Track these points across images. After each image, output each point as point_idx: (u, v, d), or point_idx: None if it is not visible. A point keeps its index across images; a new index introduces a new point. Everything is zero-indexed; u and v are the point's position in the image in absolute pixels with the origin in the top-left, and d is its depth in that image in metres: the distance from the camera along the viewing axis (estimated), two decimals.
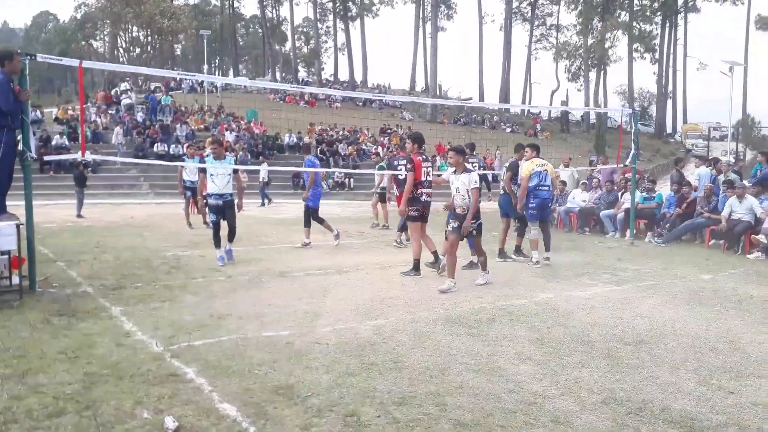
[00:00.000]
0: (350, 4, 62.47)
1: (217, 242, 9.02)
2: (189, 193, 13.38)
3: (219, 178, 8.91)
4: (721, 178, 13.62)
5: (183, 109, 33.47)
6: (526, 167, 9.63)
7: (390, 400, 4.01)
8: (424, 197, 8.45)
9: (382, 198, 14.18)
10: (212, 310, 6.21)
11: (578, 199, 14.75)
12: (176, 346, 5.02)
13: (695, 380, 4.49)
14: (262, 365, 4.60)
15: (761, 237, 10.63)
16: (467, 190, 7.59)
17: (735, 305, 6.95)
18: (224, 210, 9.03)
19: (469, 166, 8.25)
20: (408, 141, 9.01)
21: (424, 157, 8.57)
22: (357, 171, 25.66)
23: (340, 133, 33.59)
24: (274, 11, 71.51)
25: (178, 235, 12.02)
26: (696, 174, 15.31)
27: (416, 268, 8.38)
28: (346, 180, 26.80)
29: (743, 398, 4.13)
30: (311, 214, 10.99)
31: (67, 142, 24.40)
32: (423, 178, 8.42)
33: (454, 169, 7.86)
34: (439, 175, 8.94)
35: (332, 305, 6.59)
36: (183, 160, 15.88)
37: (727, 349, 5.25)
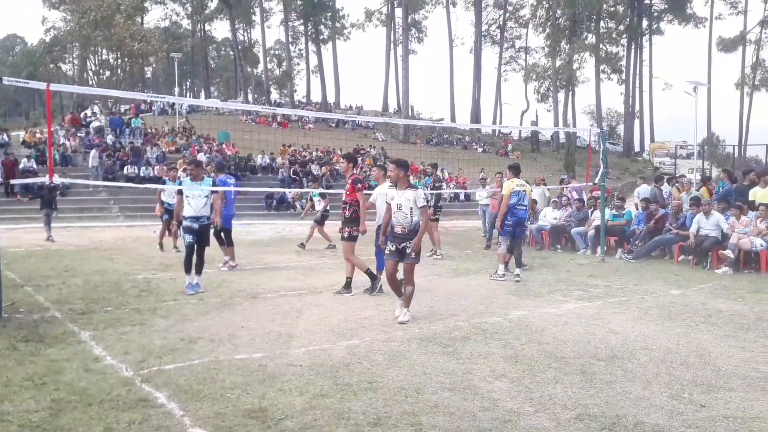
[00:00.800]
0: (322, 27, 62.88)
1: (188, 267, 8.56)
2: (166, 216, 13.18)
3: (195, 200, 8.63)
4: (685, 195, 13.92)
5: (153, 131, 33.18)
6: (507, 186, 9.86)
7: (365, 420, 3.97)
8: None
9: (321, 222, 14.24)
10: (183, 334, 6.12)
11: (549, 217, 14.92)
12: (147, 370, 4.93)
13: (667, 394, 4.53)
14: (234, 389, 4.53)
15: (728, 252, 10.84)
16: (411, 208, 6.76)
17: (704, 319, 7.06)
18: (200, 234, 8.66)
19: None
20: (343, 160, 9.19)
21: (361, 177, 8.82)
22: (331, 191, 25.57)
23: (313, 153, 33.57)
24: (245, 34, 71.49)
25: (149, 258, 11.85)
26: (636, 192, 15.80)
27: (347, 286, 8.49)
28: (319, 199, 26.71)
29: (714, 411, 4.18)
30: (225, 234, 10.60)
31: (35, 165, 23.98)
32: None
33: (390, 184, 7.32)
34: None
35: (306, 326, 6.53)
36: (163, 183, 15.66)
37: (698, 363, 5.32)
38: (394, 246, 6.85)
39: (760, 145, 37.43)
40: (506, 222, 9.82)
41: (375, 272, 8.62)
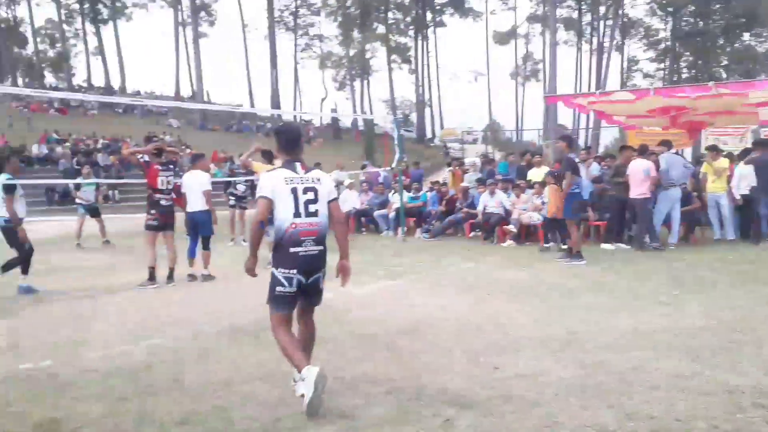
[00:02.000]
0: (101, 6, 58.08)
1: None
2: (81, 210, 13.40)
3: None
4: (471, 177, 15.08)
5: None
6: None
7: (171, 420, 3.78)
8: (163, 201, 8.36)
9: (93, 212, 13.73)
10: None
11: (349, 200, 15.28)
12: None
13: (466, 360, 4.87)
14: (19, 401, 4.06)
15: (511, 227, 11.97)
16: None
17: (495, 288, 7.69)
18: None
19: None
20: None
21: (163, 166, 8.46)
22: (122, 181, 23.96)
23: (100, 142, 31.07)
24: (9, 11, 63.90)
25: None
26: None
27: (152, 278, 8.27)
28: (110, 192, 24.85)
29: (507, 372, 4.57)
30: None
31: None
32: (161, 186, 8.34)
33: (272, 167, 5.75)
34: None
35: (102, 328, 6.06)
36: None
37: (491, 329, 5.78)
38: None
39: (533, 130, 41.73)
40: None
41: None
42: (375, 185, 15.81)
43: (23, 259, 7.92)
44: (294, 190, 4.04)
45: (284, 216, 4.01)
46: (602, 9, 52.03)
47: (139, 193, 24.05)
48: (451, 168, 16.24)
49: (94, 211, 13.54)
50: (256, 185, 11.80)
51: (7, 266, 7.93)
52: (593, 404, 3.91)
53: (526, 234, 12.23)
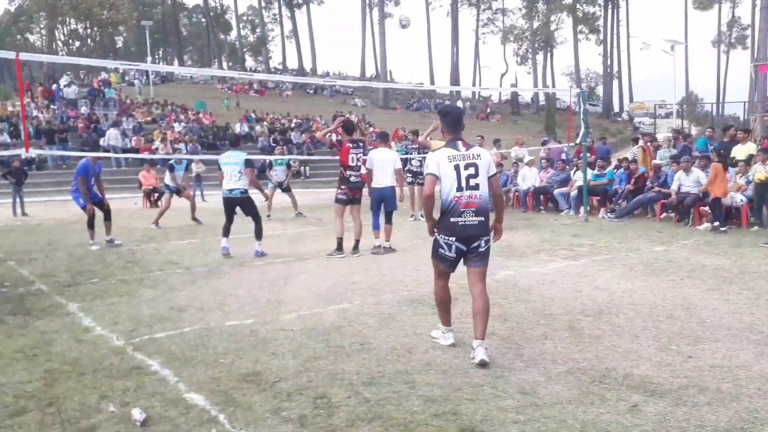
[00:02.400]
0: None
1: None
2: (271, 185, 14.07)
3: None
4: (663, 153, 14.03)
5: (128, 101, 32.63)
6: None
7: (359, 380, 4.01)
8: (353, 178, 8.74)
9: (285, 189, 14.41)
10: (172, 303, 6.10)
11: (529, 179, 14.95)
12: (137, 339, 4.92)
13: (655, 347, 4.62)
14: (227, 354, 4.54)
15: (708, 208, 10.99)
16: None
17: (688, 274, 7.17)
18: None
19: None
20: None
21: (354, 144, 8.83)
22: (313, 158, 25.51)
23: (293, 121, 33.28)
24: (217, 0, 70.14)
25: (131, 230, 11.74)
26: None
27: (339, 248, 8.67)
28: (302, 168, 26.57)
29: (701, 361, 4.27)
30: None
31: (9, 140, 23.50)
32: (351, 163, 8.70)
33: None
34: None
35: (295, 292, 6.54)
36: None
37: (684, 316, 5.42)
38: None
39: (737, 103, 37.85)
40: None
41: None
42: (556, 162, 15.28)
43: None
44: (456, 167, 4.42)
45: (448, 190, 4.43)
46: None
47: (328, 170, 25.50)
48: (640, 144, 15.22)
49: (285, 189, 14.37)
50: None
51: (259, 234, 8.89)
52: None
53: (726, 216, 11.16)
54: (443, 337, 4.74)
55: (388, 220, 9.14)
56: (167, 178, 13.54)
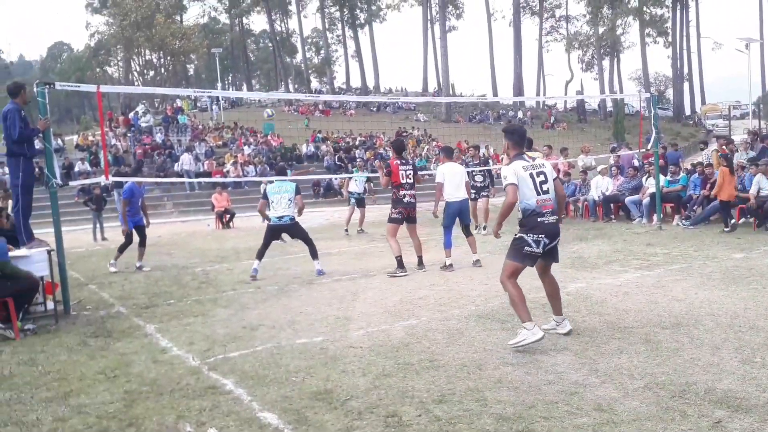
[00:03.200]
0: (358, 11, 62.72)
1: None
2: (353, 200, 14.63)
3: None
4: (741, 156, 13.43)
5: (201, 126, 33.81)
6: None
7: (429, 398, 3.99)
8: (407, 198, 8.74)
9: (360, 203, 14.62)
10: (245, 322, 6.25)
11: (601, 186, 14.58)
12: (212, 359, 5.05)
13: (738, 359, 4.41)
14: (298, 372, 4.61)
15: None
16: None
17: None
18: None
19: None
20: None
21: (403, 161, 8.90)
22: (377, 175, 25.65)
23: (357, 139, 33.67)
24: (282, 24, 71.95)
25: (204, 251, 12.12)
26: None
27: (400, 265, 8.58)
28: (367, 185, 26.79)
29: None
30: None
31: (89, 168, 24.73)
32: (402, 180, 8.70)
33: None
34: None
35: (362, 309, 6.59)
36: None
37: None
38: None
39: None
40: None
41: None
42: (626, 169, 14.85)
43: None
44: (532, 176, 5.05)
45: (529, 195, 5.02)
46: None
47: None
48: (715, 147, 14.63)
49: (360, 202, 14.60)
50: (492, 175, 12.13)
51: (314, 254, 9.01)
52: None
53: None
54: (531, 333, 4.80)
55: (468, 233, 9.18)
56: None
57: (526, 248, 5.01)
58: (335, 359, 4.88)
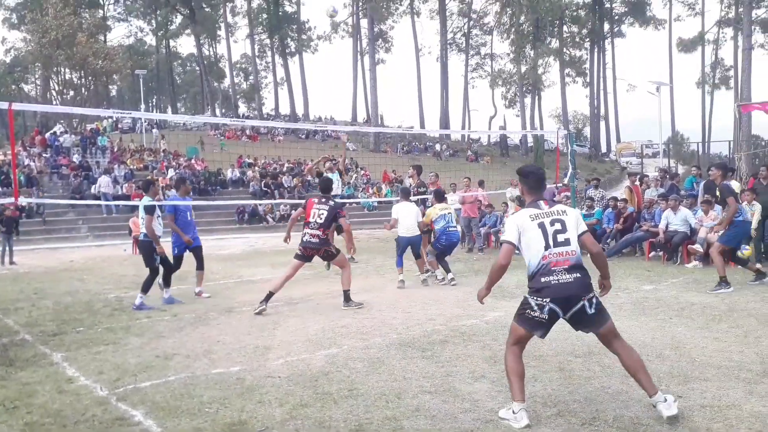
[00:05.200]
0: (288, 40, 62.80)
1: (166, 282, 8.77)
2: None
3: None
4: (652, 192, 14.14)
5: (120, 149, 32.80)
6: (428, 214, 10.42)
7: (346, 428, 3.94)
8: (306, 237, 8.19)
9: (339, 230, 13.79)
10: (158, 351, 6.03)
11: None
12: (122, 389, 4.84)
13: None
14: (212, 403, 4.47)
15: (697, 246, 11.03)
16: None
17: (677, 313, 7.16)
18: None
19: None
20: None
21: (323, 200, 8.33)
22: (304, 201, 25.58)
23: (285, 165, 33.46)
24: (211, 49, 71.26)
25: (120, 277, 11.67)
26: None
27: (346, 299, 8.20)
28: (293, 211, 26.59)
29: (691, 401, 4.23)
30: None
31: None
32: (310, 219, 8.17)
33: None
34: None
35: (283, 338, 6.48)
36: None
37: (673, 355, 5.39)
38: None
39: (722, 142, 38.36)
40: (439, 243, 10.16)
41: None
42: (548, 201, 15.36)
43: (153, 276, 8.50)
44: (542, 225, 4.16)
45: (535, 250, 4.14)
46: None
47: None
48: (627, 184, 15.36)
49: (338, 229, 13.55)
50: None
51: (145, 287, 8.45)
52: None
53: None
54: (515, 417, 3.93)
55: (417, 256, 10.36)
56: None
57: (528, 311, 4.17)
58: (252, 389, 4.76)
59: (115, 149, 32.50)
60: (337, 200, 8.79)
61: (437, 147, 51.61)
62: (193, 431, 3.94)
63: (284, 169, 32.60)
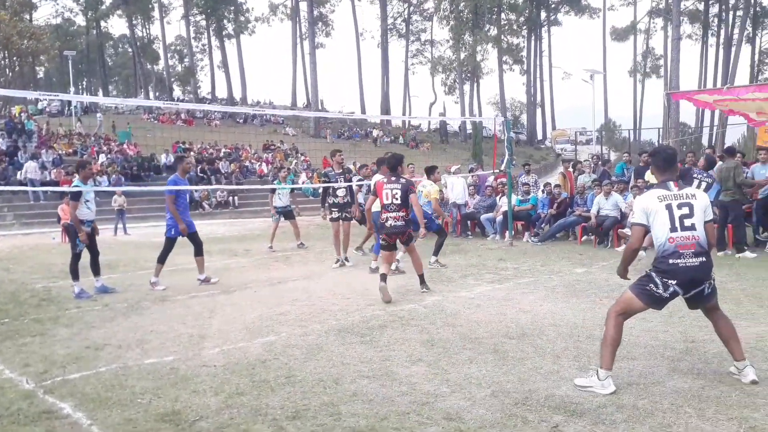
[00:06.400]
0: (225, 21, 61.39)
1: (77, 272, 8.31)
2: (276, 216, 13.57)
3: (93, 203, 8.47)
4: (585, 178, 14.55)
5: (49, 133, 31.46)
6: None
7: (283, 415, 3.92)
8: (389, 222, 7.76)
9: (288, 215, 13.61)
10: (88, 341, 5.84)
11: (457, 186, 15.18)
12: (50, 381, 4.67)
13: (575, 367, 4.73)
14: (145, 393, 4.37)
15: (627, 230, 11.42)
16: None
17: (607, 294, 7.40)
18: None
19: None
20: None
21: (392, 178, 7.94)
22: (242, 187, 25.21)
23: (222, 150, 32.82)
24: (144, 30, 68.92)
25: (48, 266, 11.23)
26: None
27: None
28: (230, 198, 26.17)
29: (619, 379, 4.38)
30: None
31: None
32: (386, 201, 7.76)
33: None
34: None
35: (219, 326, 6.38)
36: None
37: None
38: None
39: (652, 129, 39.78)
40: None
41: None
42: (483, 188, 15.61)
43: (75, 261, 8.22)
44: (669, 207, 4.21)
45: (661, 232, 4.21)
46: None
47: (256, 200, 25.23)
48: (561, 170, 15.76)
49: (288, 214, 13.55)
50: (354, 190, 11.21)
51: (74, 274, 8.19)
52: (712, 416, 3.69)
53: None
54: (601, 384, 4.14)
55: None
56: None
57: (652, 287, 4.23)
58: (186, 379, 4.68)
59: (43, 133, 31.14)
60: (405, 179, 8.01)
61: (374, 133, 51.61)
62: (124, 422, 3.85)
63: (221, 154, 31.97)
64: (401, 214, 7.61)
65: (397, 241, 7.77)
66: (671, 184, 4.30)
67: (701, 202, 4.26)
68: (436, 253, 10.06)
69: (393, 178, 7.78)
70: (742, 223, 10.58)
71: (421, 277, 7.94)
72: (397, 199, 7.60)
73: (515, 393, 4.19)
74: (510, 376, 4.55)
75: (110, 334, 6.10)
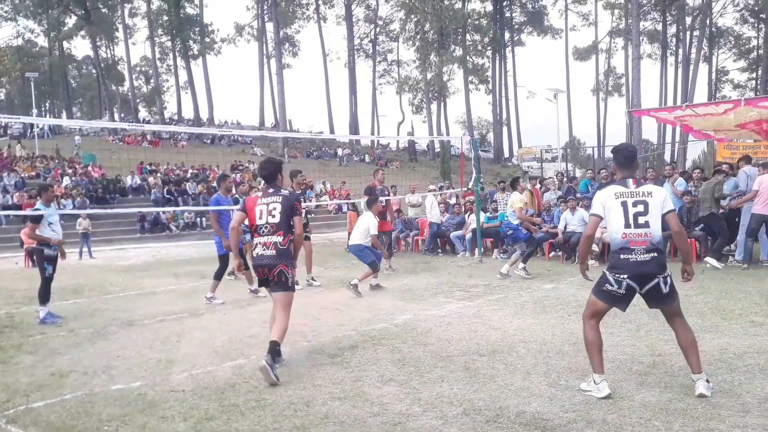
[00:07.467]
0: (191, 42, 61.07)
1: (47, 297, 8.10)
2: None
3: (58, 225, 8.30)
4: (551, 195, 14.79)
5: (10, 156, 30.87)
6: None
7: None
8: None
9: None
10: (53, 368, 5.70)
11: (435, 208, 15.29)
12: (12, 410, 4.54)
13: (545, 383, 4.76)
14: (112, 421, 4.27)
15: (594, 246, 11.60)
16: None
17: (576, 310, 7.47)
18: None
19: None
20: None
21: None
22: (209, 208, 24.97)
23: (189, 171, 32.51)
24: (108, 51, 68.27)
25: (11, 292, 10.96)
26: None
27: None
28: (198, 219, 25.89)
29: (588, 394, 4.43)
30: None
31: None
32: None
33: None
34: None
35: (187, 350, 6.28)
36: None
37: (572, 351, 5.63)
38: None
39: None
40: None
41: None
42: (452, 206, 15.77)
43: (46, 285, 8.03)
44: (624, 204, 4.39)
45: (616, 227, 4.40)
46: (688, 20, 50.24)
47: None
48: (529, 187, 15.94)
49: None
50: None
51: (42, 298, 7.99)
52: (679, 429, 3.75)
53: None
54: (597, 387, 4.36)
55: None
56: None
57: (606, 286, 4.43)
58: (154, 405, 4.59)
59: (5, 156, 30.54)
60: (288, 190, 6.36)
61: (339, 152, 51.61)
62: None
63: (188, 175, 31.68)
64: (275, 239, 5.52)
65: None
66: (629, 181, 4.47)
67: (657, 198, 4.40)
68: (525, 260, 10.46)
69: (270, 191, 5.69)
70: (726, 233, 10.80)
71: (273, 346, 5.26)
72: (273, 216, 5.53)
73: (486, 411, 4.20)
74: (481, 393, 4.56)
75: (76, 361, 5.97)
